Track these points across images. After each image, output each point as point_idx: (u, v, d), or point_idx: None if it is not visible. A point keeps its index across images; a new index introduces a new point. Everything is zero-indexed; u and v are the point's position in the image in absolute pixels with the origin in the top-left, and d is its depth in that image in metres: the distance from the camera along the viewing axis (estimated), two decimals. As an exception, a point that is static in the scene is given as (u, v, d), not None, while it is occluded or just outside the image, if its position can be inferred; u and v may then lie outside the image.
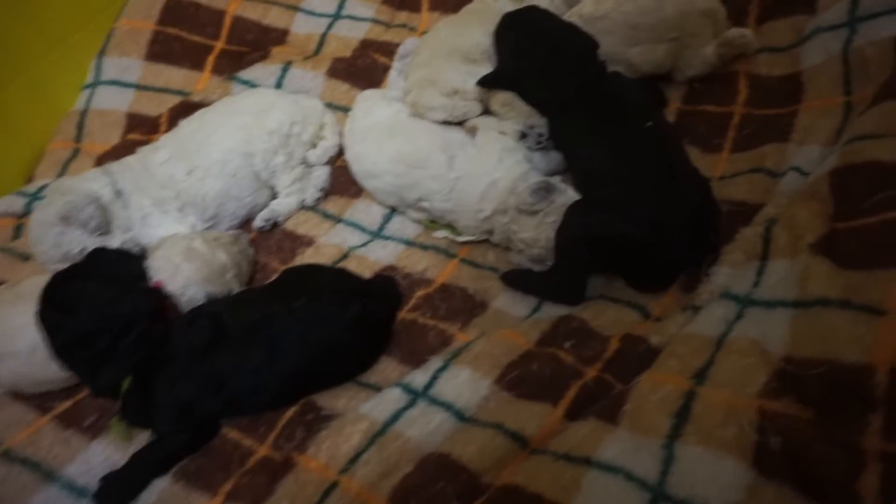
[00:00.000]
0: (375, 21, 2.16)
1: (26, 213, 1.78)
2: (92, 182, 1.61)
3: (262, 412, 1.32)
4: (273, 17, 2.17)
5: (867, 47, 1.53)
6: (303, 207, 1.78)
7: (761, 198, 1.46)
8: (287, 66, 2.00)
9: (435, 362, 1.33)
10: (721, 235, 1.41)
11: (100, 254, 1.37)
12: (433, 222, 1.68)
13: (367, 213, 1.75)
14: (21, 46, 1.86)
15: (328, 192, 1.81)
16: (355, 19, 2.17)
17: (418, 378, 1.30)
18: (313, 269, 1.56)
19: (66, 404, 1.38)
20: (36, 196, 1.81)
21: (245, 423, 1.32)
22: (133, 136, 1.93)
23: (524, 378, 1.25)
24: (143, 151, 1.71)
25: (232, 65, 2.05)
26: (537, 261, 1.51)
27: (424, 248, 1.65)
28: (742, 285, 1.24)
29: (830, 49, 1.62)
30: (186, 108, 1.89)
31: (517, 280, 1.52)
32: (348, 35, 2.13)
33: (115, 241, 1.58)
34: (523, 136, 1.64)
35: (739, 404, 1.01)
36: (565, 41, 1.61)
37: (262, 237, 1.73)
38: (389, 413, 1.24)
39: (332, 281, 1.48)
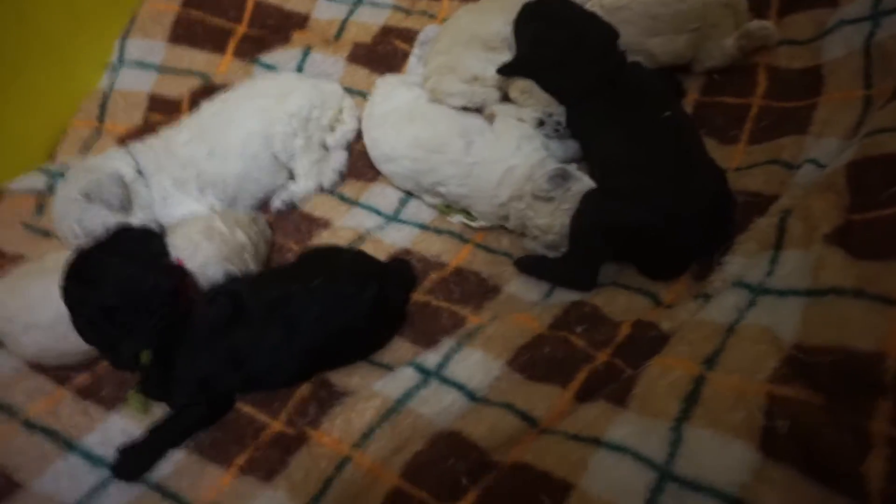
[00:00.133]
0: (396, 8, 2.17)
1: (48, 190, 1.81)
2: (115, 161, 1.65)
3: (278, 388, 1.35)
4: (294, 3, 2.18)
5: (889, 41, 1.52)
6: (320, 190, 1.80)
7: (777, 189, 1.46)
8: (308, 50, 2.02)
9: (448, 343, 1.34)
10: (735, 226, 1.42)
11: (123, 231, 1.39)
12: (448, 207, 1.70)
13: (383, 196, 1.77)
14: (48, 25, 1.89)
15: (345, 176, 1.83)
16: (376, 6, 2.18)
17: (431, 358, 1.32)
18: (332, 251, 1.59)
19: (86, 376, 1.42)
20: (58, 174, 1.84)
21: (259, 398, 1.34)
22: (155, 118, 1.96)
23: (535, 360, 1.27)
24: (165, 132, 1.74)
25: (253, 48, 2.08)
26: (551, 247, 1.52)
27: (439, 232, 1.67)
28: (755, 274, 1.25)
29: (852, 42, 1.61)
30: (208, 91, 1.92)
31: (531, 266, 1.53)
32: (369, 21, 2.14)
33: (135, 220, 1.61)
34: (541, 123, 1.65)
35: (749, 389, 1.02)
36: (585, 30, 1.60)
37: (280, 219, 1.76)
38: (402, 391, 1.25)
39: (349, 263, 1.50)
